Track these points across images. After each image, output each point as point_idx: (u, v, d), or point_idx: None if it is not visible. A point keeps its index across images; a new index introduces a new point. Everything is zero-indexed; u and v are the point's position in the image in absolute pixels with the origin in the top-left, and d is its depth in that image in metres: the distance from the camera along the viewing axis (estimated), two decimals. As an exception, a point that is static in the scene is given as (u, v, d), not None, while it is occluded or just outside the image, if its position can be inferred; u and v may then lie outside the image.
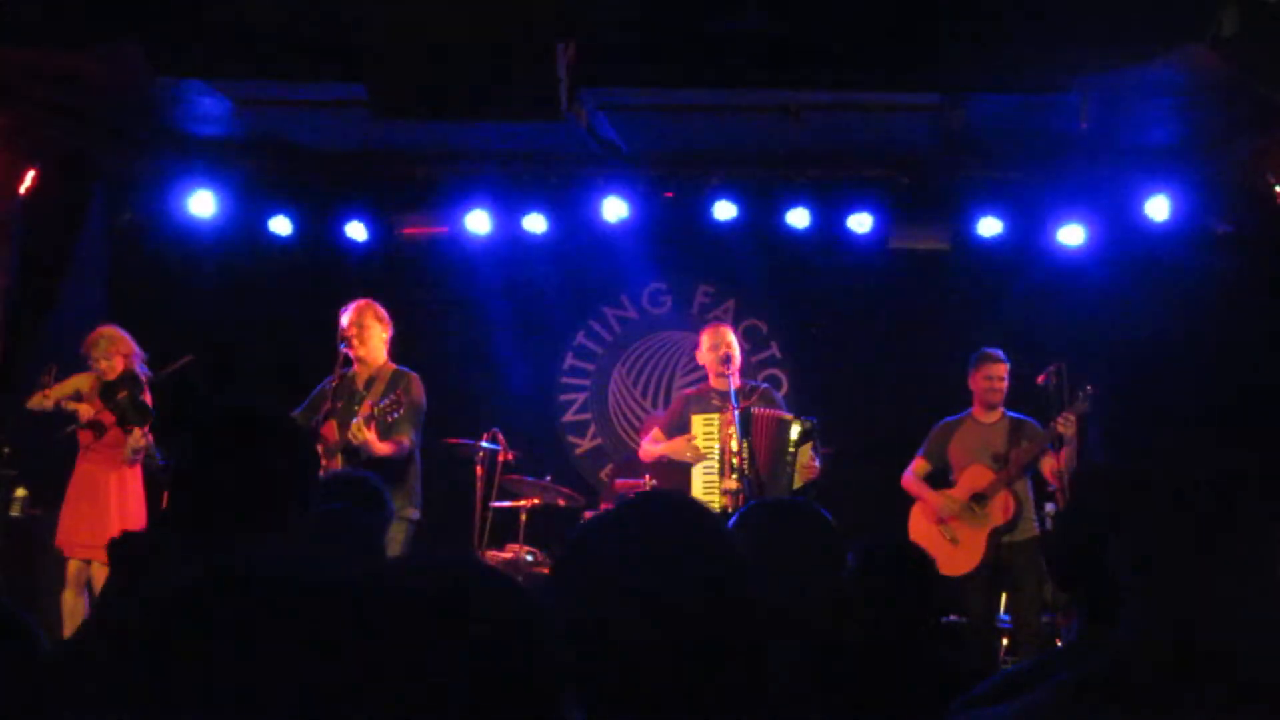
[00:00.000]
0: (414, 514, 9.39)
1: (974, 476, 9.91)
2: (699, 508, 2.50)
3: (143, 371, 10.26)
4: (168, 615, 1.28)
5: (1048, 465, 9.71)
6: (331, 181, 12.10)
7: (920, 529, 10.05)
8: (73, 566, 9.93)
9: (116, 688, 2.74)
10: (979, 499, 9.84)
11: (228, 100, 10.16)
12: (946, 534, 9.88)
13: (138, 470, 10.20)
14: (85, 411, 10.11)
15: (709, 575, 2.28)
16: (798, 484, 9.62)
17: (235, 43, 8.89)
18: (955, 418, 10.19)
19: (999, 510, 9.77)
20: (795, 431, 9.70)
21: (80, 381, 10.19)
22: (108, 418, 10.11)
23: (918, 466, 10.23)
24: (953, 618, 10.19)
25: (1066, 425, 9.52)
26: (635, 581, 2.22)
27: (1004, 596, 10.13)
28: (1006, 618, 10.10)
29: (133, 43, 8.76)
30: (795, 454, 9.66)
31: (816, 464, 9.73)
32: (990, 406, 10.01)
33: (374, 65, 8.36)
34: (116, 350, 10.19)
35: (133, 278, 12.29)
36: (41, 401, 10.19)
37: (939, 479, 10.19)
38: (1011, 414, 9.99)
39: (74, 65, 9.54)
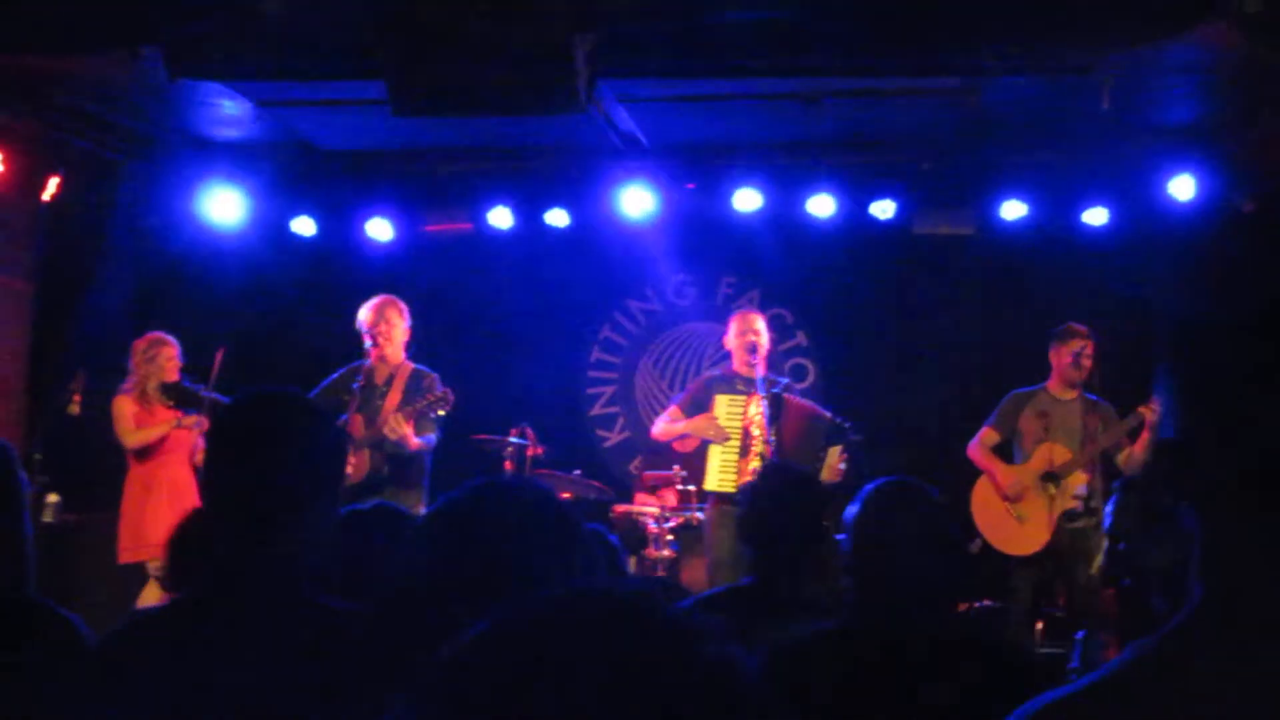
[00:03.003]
0: (423, 509, 9.47)
1: (1049, 453, 9.70)
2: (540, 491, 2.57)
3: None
4: None
5: (1123, 453, 9.56)
6: (354, 181, 12.11)
7: (985, 505, 9.81)
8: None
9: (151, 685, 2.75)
10: (1052, 478, 9.64)
11: (249, 102, 10.18)
12: (1014, 512, 9.65)
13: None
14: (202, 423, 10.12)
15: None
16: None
17: (255, 44, 8.90)
18: (1029, 389, 9.98)
19: (1073, 491, 9.60)
20: (828, 429, 9.65)
21: (127, 406, 10.17)
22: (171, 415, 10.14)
23: (986, 436, 10.01)
24: (986, 603, 10.07)
25: (1153, 412, 9.28)
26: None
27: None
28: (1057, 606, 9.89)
29: (153, 46, 8.77)
30: (825, 453, 9.61)
31: (842, 468, 9.63)
32: (1071, 384, 9.82)
33: (393, 63, 8.37)
34: (176, 352, 10.22)
35: (157, 282, 12.32)
36: (143, 434, 10.15)
37: (1004, 452, 10.04)
38: (1088, 394, 9.81)
39: (95, 71, 9.56)
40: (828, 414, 9.73)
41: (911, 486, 4.11)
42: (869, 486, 4.08)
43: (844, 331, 12.63)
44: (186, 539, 5.82)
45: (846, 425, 9.72)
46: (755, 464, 9.48)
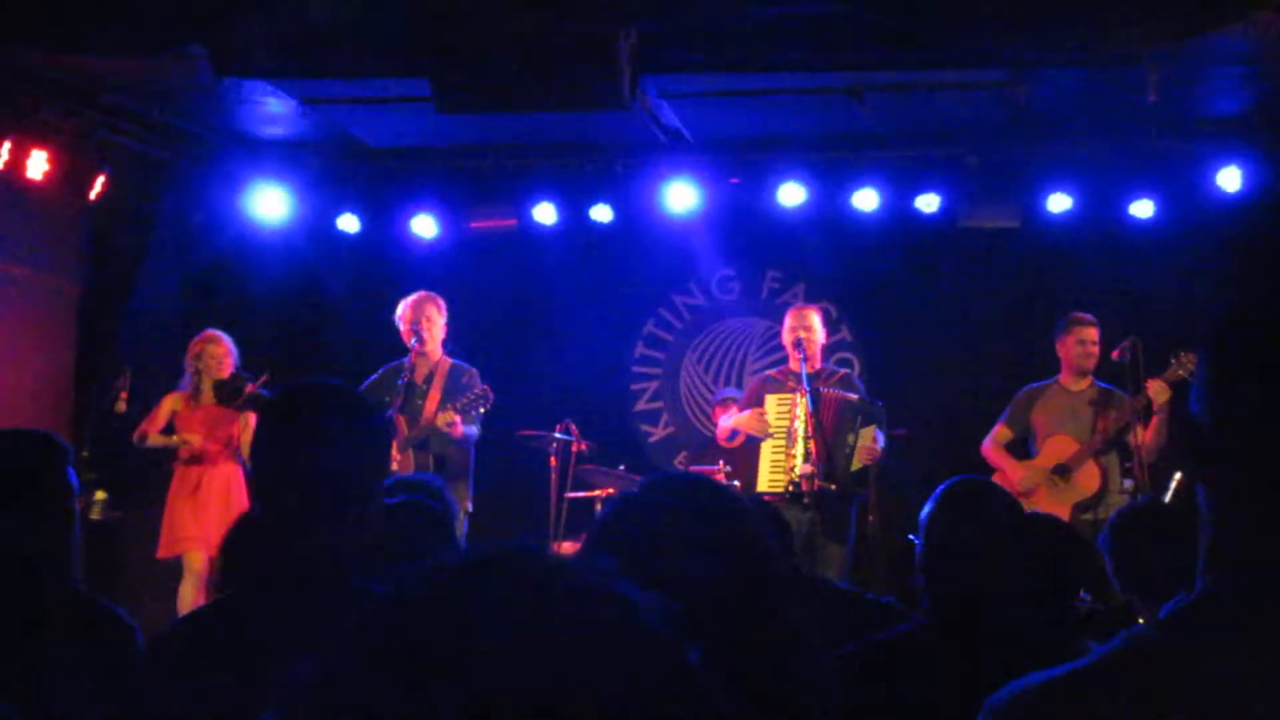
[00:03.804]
0: (470, 505, 9.55)
1: (1058, 446, 9.64)
2: (719, 486, 2.56)
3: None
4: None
5: (1134, 437, 9.47)
6: (398, 178, 12.15)
7: None
8: (199, 560, 9.92)
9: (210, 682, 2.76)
10: (1062, 470, 9.58)
11: (293, 99, 10.21)
12: (1027, 507, 9.62)
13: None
14: (196, 442, 10.11)
15: (732, 550, 2.34)
16: (857, 465, 9.56)
17: (300, 42, 8.93)
18: (1041, 384, 9.94)
19: (1084, 483, 9.50)
20: (857, 413, 9.63)
21: (173, 403, 10.19)
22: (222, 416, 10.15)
23: (999, 434, 9.98)
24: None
25: (1159, 392, 9.24)
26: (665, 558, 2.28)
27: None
28: (1087, 597, 9.81)
29: (198, 46, 8.81)
30: (856, 435, 9.59)
31: (879, 446, 9.62)
32: (1081, 373, 9.73)
33: (438, 61, 8.38)
34: (226, 350, 10.23)
35: (203, 279, 12.35)
36: (152, 439, 10.16)
37: (1020, 449, 10.01)
38: (1100, 383, 9.75)
39: (141, 70, 9.61)
40: (854, 396, 9.72)
41: (984, 485, 4.09)
42: (942, 486, 4.05)
43: (889, 326, 12.57)
44: (239, 540, 5.82)
45: (877, 404, 9.71)
46: (807, 468, 9.47)
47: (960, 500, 3.98)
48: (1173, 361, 9.34)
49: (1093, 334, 9.74)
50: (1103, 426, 9.52)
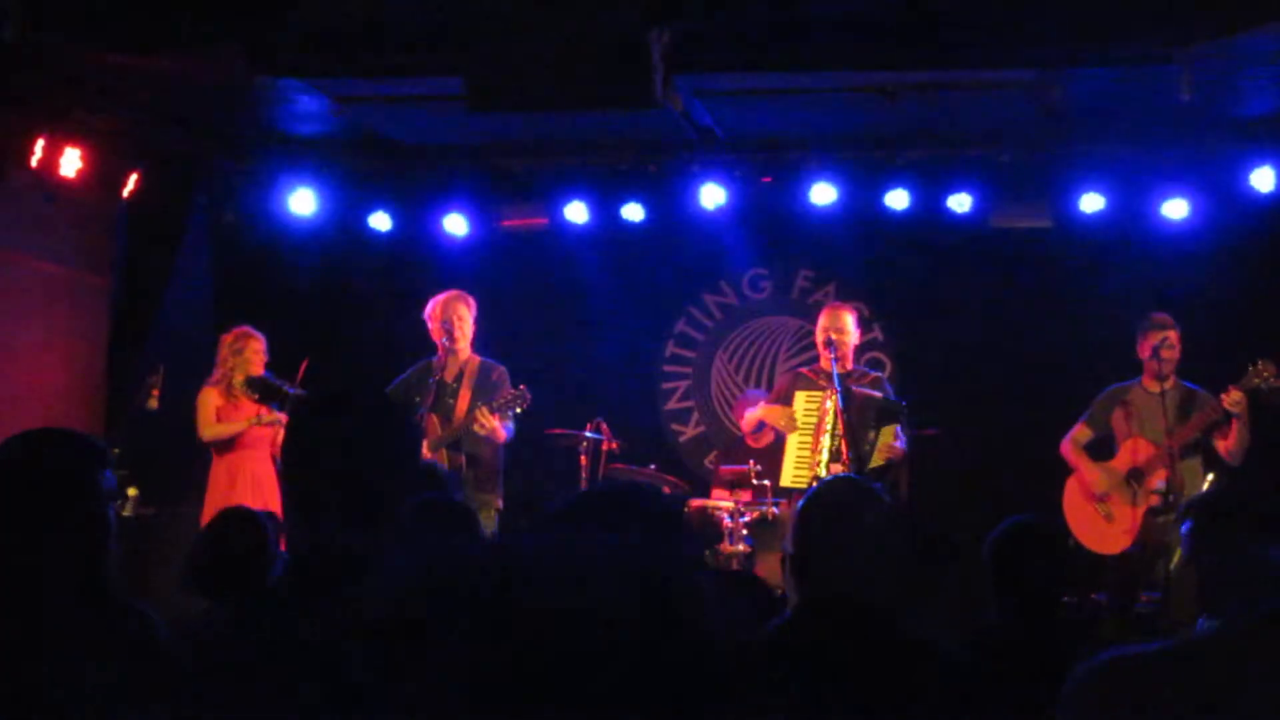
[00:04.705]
0: (500, 504, 9.58)
1: (1134, 450, 9.56)
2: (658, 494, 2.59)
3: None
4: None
5: (1220, 444, 9.40)
6: (430, 176, 12.16)
7: (1074, 503, 9.71)
8: None
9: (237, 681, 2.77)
10: (1137, 474, 9.51)
11: (326, 98, 10.23)
12: (1101, 510, 9.52)
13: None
14: (285, 417, 10.13)
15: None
16: (878, 462, 9.53)
17: (332, 41, 8.94)
18: (1124, 384, 9.85)
19: (1157, 487, 9.48)
20: (879, 409, 9.61)
21: (212, 398, 10.21)
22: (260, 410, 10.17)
23: (1078, 433, 9.89)
24: (1101, 596, 9.89)
25: (1235, 403, 9.13)
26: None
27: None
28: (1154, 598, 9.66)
29: (231, 44, 8.83)
30: (877, 434, 9.57)
31: (899, 445, 9.61)
32: (1160, 376, 9.60)
33: (470, 60, 8.39)
34: (263, 347, 10.26)
35: (235, 277, 12.40)
36: (227, 427, 10.16)
37: (1102, 449, 9.93)
38: (1186, 384, 9.63)
39: (174, 68, 9.63)
40: (878, 394, 9.69)
41: (855, 488, 4.09)
42: (811, 489, 4.08)
43: (921, 325, 12.53)
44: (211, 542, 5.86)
45: (901, 404, 9.68)
46: (839, 466, 9.46)
47: (830, 501, 3.99)
48: (1250, 369, 9.23)
49: (1165, 337, 9.61)
50: (1181, 431, 9.40)
